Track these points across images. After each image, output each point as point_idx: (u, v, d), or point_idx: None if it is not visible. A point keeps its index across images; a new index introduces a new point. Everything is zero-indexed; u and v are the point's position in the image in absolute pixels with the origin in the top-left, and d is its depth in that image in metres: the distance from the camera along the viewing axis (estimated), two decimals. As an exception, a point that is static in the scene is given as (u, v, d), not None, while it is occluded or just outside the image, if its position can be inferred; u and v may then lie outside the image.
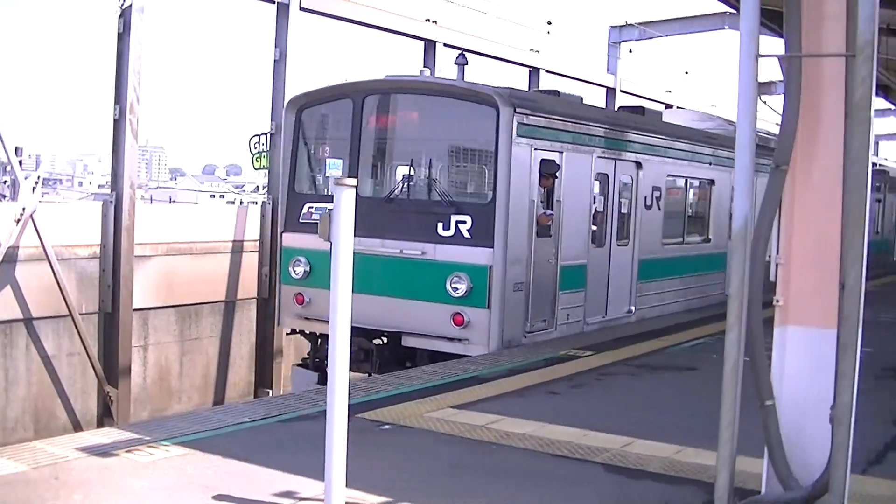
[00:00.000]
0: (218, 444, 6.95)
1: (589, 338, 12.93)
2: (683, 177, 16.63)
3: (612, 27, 30.04)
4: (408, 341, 12.27)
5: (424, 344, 12.18)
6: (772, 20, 7.32)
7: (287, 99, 14.39)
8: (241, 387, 16.52)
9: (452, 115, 12.64)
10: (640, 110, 16.55)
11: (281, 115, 14.75)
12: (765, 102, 5.46)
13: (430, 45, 21.03)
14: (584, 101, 14.89)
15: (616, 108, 17.69)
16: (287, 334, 14.45)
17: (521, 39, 24.71)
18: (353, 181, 5.24)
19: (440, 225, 11.94)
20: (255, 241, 16.45)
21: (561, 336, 12.85)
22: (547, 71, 25.23)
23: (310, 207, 13.08)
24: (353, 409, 7.37)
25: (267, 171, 16.99)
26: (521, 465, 6.88)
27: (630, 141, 14.48)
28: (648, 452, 7.18)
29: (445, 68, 19.76)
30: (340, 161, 12.53)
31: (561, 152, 12.80)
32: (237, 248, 16.14)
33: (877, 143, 58.45)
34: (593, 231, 13.71)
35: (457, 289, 11.74)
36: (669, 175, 15.88)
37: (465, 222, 11.83)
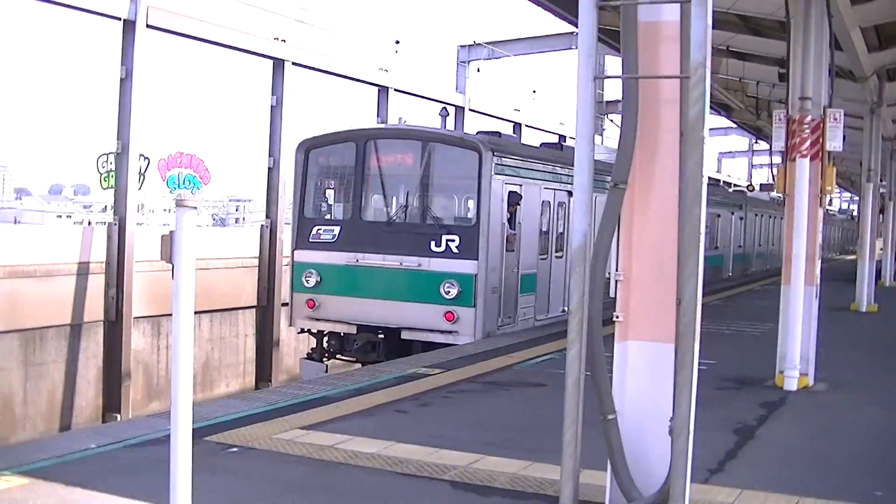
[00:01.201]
0: (61, 472, 6.73)
1: (538, 331, 15.83)
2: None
3: (461, 46, 30.54)
4: (406, 335, 15.01)
5: (420, 336, 14.91)
6: (618, 40, 7.57)
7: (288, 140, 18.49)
8: (88, 412, 16.13)
9: (444, 157, 15.64)
10: (559, 146, 19.77)
11: (128, 134, 16.98)
12: (612, 121, 5.67)
13: (278, 64, 21.02)
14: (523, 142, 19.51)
15: (539, 145, 20.39)
16: (298, 333, 16.84)
17: (370, 58, 24.91)
18: (195, 202, 5.14)
19: (433, 242, 14.84)
20: (102, 262, 16.29)
21: (520, 329, 15.94)
22: (396, 90, 25.42)
23: (318, 229, 15.79)
24: (199, 433, 7.26)
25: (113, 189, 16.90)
26: (369, 484, 6.88)
27: (564, 174, 17.26)
28: (496, 469, 7.27)
29: (294, 87, 21.27)
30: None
31: (521, 185, 16.12)
32: (83, 270, 15.95)
33: (719, 161, 60.85)
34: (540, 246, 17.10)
35: (449, 292, 14.63)
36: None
37: (453, 240, 14.80)
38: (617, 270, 5.45)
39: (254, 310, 20.77)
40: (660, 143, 5.36)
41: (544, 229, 17.24)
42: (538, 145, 20.21)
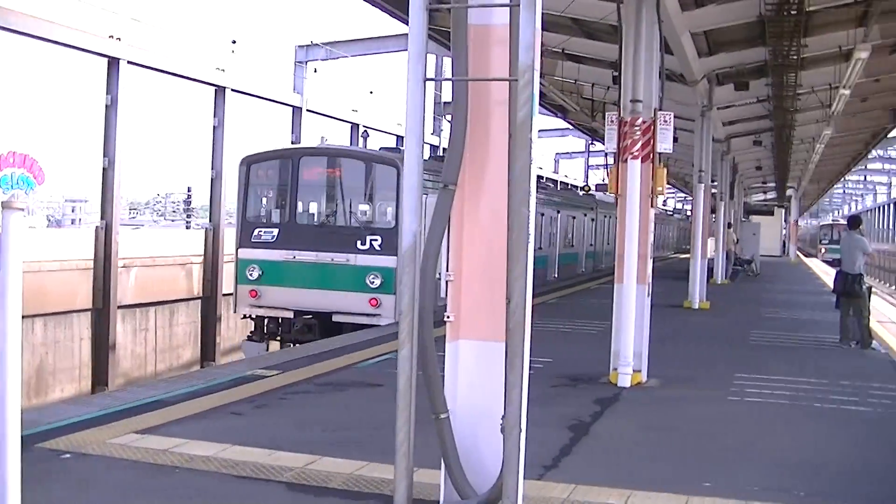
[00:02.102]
0: None
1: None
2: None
3: (299, 46, 30.40)
4: (337, 318, 17.72)
5: (349, 319, 17.58)
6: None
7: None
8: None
9: (367, 171, 18.59)
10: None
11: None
12: (449, 122, 5.74)
13: (113, 62, 20.55)
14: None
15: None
16: (241, 318, 19.79)
17: (207, 57, 24.65)
18: (24, 203, 4.93)
19: (359, 241, 17.55)
20: None
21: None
22: (233, 90, 25.16)
23: (259, 231, 18.53)
24: (30, 439, 7.04)
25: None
26: (204, 487, 6.80)
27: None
28: (332, 469, 7.28)
29: (129, 84, 21.19)
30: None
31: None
32: None
33: (557, 162, 62.17)
34: None
35: (373, 282, 17.32)
36: None
37: (376, 239, 17.47)
38: (447, 271, 5.52)
39: (89, 312, 20.27)
40: (490, 144, 5.46)
41: None
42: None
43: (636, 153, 11.20)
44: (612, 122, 11.51)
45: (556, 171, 60.54)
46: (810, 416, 10.20)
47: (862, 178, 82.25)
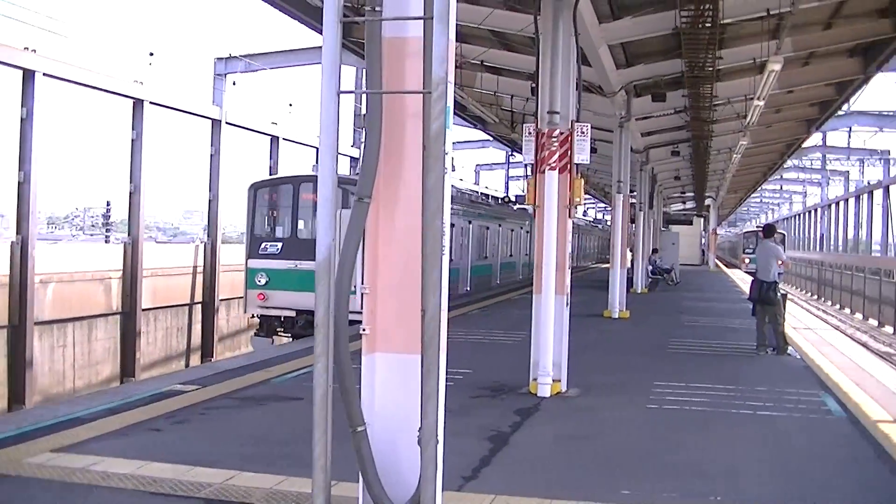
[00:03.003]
0: None
1: None
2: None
3: (218, 59, 30.25)
4: None
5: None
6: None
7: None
8: None
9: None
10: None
11: None
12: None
13: (28, 75, 20.18)
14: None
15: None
16: (250, 318, 23.52)
17: (125, 70, 24.53)
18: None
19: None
20: None
21: None
22: (152, 102, 24.89)
23: (265, 244, 21.94)
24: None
25: None
26: (119, 507, 6.74)
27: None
28: (252, 484, 7.25)
29: (47, 97, 20.88)
30: None
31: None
32: None
33: (477, 173, 62.52)
34: None
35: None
36: None
37: None
38: (363, 283, 5.53)
39: (4, 329, 19.89)
40: (405, 157, 5.48)
41: None
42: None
43: (553, 164, 11.33)
44: (529, 133, 11.62)
45: (476, 183, 60.86)
46: (727, 422, 10.41)
47: (778, 187, 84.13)
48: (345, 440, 5.47)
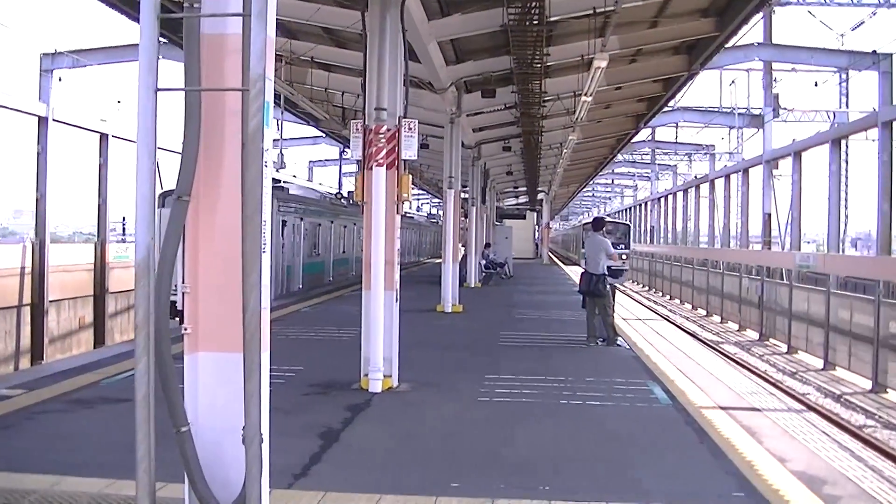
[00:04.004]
0: None
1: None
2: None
3: (44, 55, 29.36)
4: None
5: None
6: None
7: None
8: None
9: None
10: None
11: None
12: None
13: None
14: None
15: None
16: None
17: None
18: None
19: None
20: None
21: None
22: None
23: None
24: None
25: None
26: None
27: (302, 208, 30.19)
28: (78, 489, 7.16)
29: None
30: None
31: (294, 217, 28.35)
32: None
33: (311, 170, 62.24)
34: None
35: None
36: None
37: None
38: (184, 283, 5.55)
39: None
40: (224, 154, 5.50)
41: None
42: None
43: (381, 161, 11.48)
44: (357, 130, 11.74)
45: (310, 179, 60.61)
46: (556, 413, 10.76)
47: (610, 181, 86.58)
48: (173, 441, 5.48)
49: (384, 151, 11.50)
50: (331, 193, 47.96)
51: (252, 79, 5.20)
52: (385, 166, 11.50)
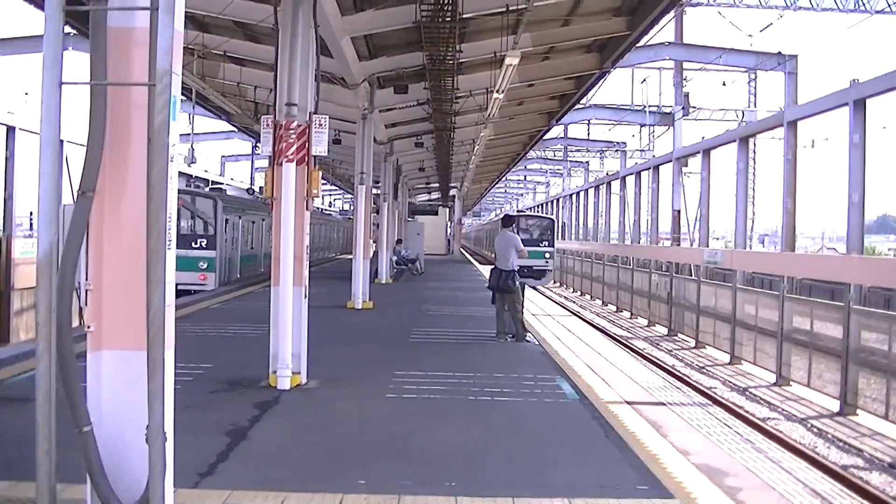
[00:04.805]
0: None
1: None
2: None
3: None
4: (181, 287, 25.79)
5: (187, 287, 27.75)
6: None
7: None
8: None
9: (194, 201, 30.78)
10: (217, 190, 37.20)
11: None
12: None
13: None
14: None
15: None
16: None
17: None
18: None
19: (192, 243, 29.39)
20: None
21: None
22: None
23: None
24: None
25: None
26: None
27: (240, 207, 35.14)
28: (-21, 492, 7.05)
29: None
30: None
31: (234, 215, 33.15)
32: None
33: (223, 164, 61.69)
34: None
35: (202, 265, 29.43)
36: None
37: (204, 241, 29.86)
38: (87, 280, 5.49)
39: None
40: (130, 149, 5.45)
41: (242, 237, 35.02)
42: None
43: (291, 156, 11.44)
44: (267, 125, 11.69)
45: (221, 174, 60.05)
46: (464, 408, 10.85)
47: (522, 177, 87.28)
48: (76, 442, 5.43)
49: (294, 147, 11.47)
50: (244, 188, 48.09)
51: (159, 73, 5.17)
52: (295, 162, 11.46)
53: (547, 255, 52.19)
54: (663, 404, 11.44)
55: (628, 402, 11.38)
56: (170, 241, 5.20)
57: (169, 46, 5.21)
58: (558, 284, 56.20)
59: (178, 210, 25.33)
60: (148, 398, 5.16)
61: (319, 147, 11.83)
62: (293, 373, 11.57)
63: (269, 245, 39.27)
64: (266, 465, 8.21)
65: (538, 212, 76.78)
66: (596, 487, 7.70)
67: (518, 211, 64.10)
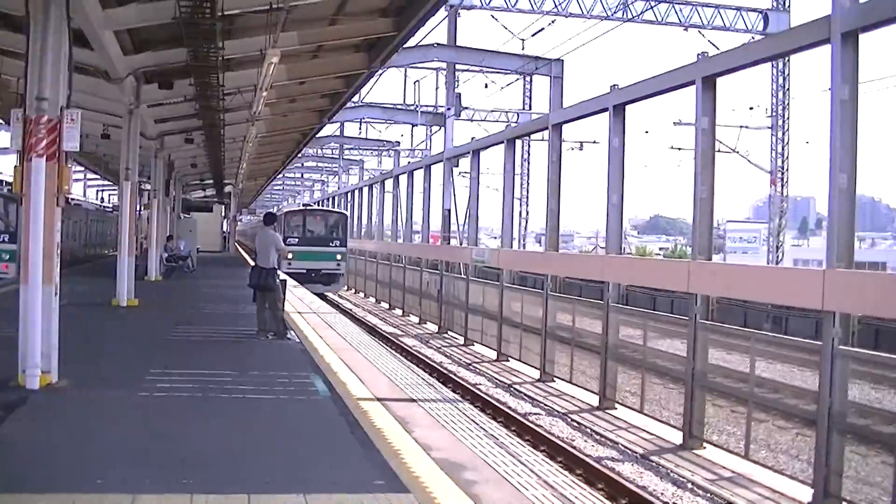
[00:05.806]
0: None
1: None
2: None
3: None
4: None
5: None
6: None
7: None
8: None
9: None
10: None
11: None
12: None
13: None
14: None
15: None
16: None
17: None
18: None
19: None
20: None
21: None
22: None
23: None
24: None
25: None
26: None
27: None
28: None
29: None
30: None
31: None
32: None
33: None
34: None
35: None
36: None
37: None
38: None
39: None
40: None
41: None
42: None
43: (41, 151, 11.25)
44: (17, 119, 11.45)
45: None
46: (218, 407, 10.97)
47: (300, 175, 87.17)
48: None
49: (44, 142, 11.26)
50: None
51: None
52: (45, 157, 11.28)
53: (339, 257, 47.21)
54: (414, 401, 11.86)
55: (380, 399, 11.71)
56: None
57: None
58: (353, 291, 55.70)
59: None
60: None
61: (72, 143, 11.65)
62: (43, 372, 11.38)
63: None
64: (10, 467, 8.06)
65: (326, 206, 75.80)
66: (331, 483, 7.91)
67: (304, 205, 63.26)
